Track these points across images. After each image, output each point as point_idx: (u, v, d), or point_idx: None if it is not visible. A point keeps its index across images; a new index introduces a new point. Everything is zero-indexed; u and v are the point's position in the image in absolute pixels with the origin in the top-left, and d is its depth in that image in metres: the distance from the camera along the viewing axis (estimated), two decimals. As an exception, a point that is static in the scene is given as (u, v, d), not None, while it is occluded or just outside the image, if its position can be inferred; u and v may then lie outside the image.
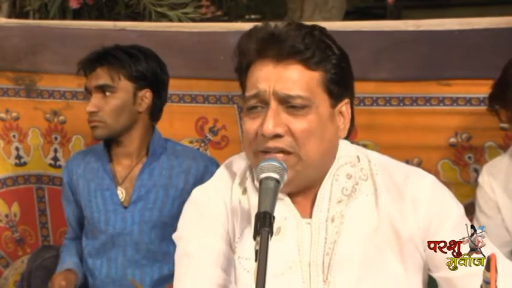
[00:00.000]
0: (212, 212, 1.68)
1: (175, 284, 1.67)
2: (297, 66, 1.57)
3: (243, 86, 1.64)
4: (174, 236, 1.72)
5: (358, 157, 1.68)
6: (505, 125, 2.70)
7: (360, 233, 1.61)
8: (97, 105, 2.57)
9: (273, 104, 1.56)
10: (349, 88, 1.66)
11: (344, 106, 1.64)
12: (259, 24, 1.63)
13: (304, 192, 1.64)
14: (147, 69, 2.64)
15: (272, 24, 1.61)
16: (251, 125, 1.59)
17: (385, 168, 1.67)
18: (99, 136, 2.62)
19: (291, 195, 1.64)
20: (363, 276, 1.59)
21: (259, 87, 1.57)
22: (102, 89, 2.59)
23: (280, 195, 1.61)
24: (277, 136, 1.55)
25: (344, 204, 1.62)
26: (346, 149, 1.67)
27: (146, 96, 2.64)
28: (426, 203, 1.61)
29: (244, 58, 1.62)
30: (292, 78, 1.56)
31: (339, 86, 1.61)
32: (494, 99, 2.56)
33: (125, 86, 2.60)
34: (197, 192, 1.74)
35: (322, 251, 1.59)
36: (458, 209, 1.65)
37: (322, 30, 1.63)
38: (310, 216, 1.62)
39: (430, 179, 1.66)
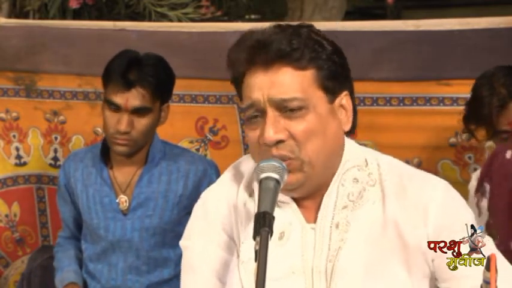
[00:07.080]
0: (218, 220, 1.66)
1: None
2: (287, 68, 1.54)
3: (240, 97, 1.62)
4: (181, 243, 1.71)
5: (366, 160, 1.64)
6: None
7: (365, 240, 1.57)
8: (130, 125, 2.50)
9: (270, 111, 1.54)
10: (346, 80, 1.61)
11: (344, 98, 1.60)
12: (247, 31, 1.59)
13: (311, 196, 1.61)
14: (171, 85, 2.60)
15: (259, 30, 1.58)
16: (253, 135, 1.57)
17: (395, 173, 1.62)
18: (124, 153, 2.56)
19: (297, 200, 1.61)
20: (367, 284, 1.56)
21: (252, 97, 1.55)
22: (139, 110, 2.52)
23: (286, 199, 1.59)
24: (280, 142, 1.53)
25: (349, 210, 1.59)
26: (353, 152, 1.63)
27: (166, 110, 2.61)
28: (436, 212, 1.57)
29: (236, 69, 1.60)
30: (285, 81, 1.54)
31: (334, 81, 1.57)
32: (470, 119, 2.61)
33: (156, 105, 2.56)
34: (206, 196, 1.72)
35: (326, 257, 1.57)
36: (471, 217, 1.61)
37: (309, 27, 1.59)
38: (315, 221, 1.60)
39: (441, 186, 1.61)
